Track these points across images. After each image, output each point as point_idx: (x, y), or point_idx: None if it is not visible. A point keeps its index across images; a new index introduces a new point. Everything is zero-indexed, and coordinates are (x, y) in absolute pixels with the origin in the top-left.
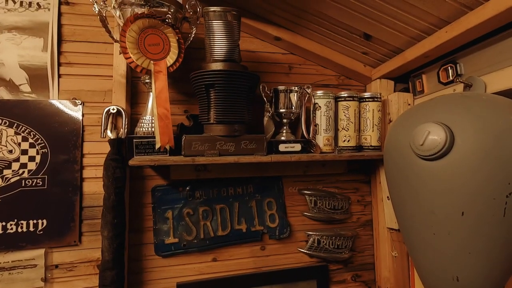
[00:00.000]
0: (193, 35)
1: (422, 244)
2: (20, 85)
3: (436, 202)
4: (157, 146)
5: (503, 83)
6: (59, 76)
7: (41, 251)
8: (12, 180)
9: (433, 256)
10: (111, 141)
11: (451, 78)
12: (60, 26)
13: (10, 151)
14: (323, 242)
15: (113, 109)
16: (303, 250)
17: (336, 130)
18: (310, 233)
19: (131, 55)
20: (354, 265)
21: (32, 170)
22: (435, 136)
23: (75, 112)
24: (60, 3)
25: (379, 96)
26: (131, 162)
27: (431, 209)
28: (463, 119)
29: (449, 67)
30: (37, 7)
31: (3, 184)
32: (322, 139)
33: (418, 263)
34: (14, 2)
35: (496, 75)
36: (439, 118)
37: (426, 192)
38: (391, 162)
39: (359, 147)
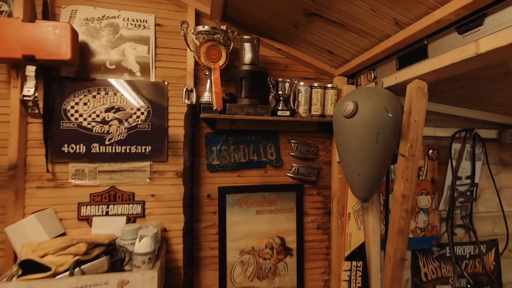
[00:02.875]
0: (231, 48)
1: (346, 163)
2: (135, 72)
3: (350, 139)
4: (214, 108)
5: (389, 82)
6: (155, 67)
7: (148, 163)
8: (133, 124)
9: (351, 168)
10: (189, 105)
11: (372, 78)
12: (155, 38)
13: (131, 108)
14: (301, 170)
15: (189, 88)
16: (289, 175)
17: (310, 105)
18: (293, 165)
19: (202, 60)
20: (319, 185)
21: (142, 119)
22: (350, 106)
23: (164, 88)
24: (155, 25)
25: (336, 86)
26: (202, 115)
27: (349, 144)
28: (363, 99)
29: (371, 72)
30: (143, 27)
31: (128, 126)
32: (301, 109)
33: (346, 173)
34: (132, 25)
35: (387, 78)
36: (353, 98)
37: (347, 135)
38: (334, 121)
39: (323, 115)
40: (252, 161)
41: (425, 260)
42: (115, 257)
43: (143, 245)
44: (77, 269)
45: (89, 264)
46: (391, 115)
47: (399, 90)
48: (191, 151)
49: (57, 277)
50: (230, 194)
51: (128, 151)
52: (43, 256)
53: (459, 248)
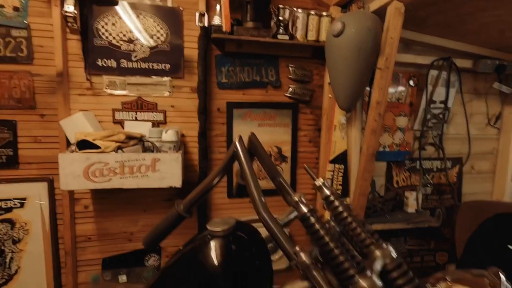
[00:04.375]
0: None
1: (333, 78)
2: None
3: (338, 56)
4: (223, 29)
5: (374, 6)
6: None
7: (168, 79)
8: (154, 44)
9: (337, 81)
10: (202, 27)
11: (361, 6)
12: None
13: (152, 30)
14: (297, 91)
15: (201, 12)
16: (286, 95)
17: (307, 31)
18: (291, 86)
19: None
20: (312, 105)
21: (162, 40)
22: (338, 26)
23: (179, 13)
24: None
25: (330, 15)
26: (213, 35)
27: (336, 60)
28: (350, 20)
29: (361, 0)
30: None
31: (151, 45)
32: (299, 34)
33: (333, 88)
34: None
35: (373, 3)
36: (342, 19)
37: (335, 52)
38: (326, 42)
39: (317, 41)
40: (255, 81)
41: (397, 170)
42: (145, 149)
43: (169, 135)
44: (119, 150)
45: (128, 148)
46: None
47: (384, 14)
48: (204, 67)
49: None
50: (236, 108)
51: (151, 67)
52: (93, 140)
53: (428, 163)
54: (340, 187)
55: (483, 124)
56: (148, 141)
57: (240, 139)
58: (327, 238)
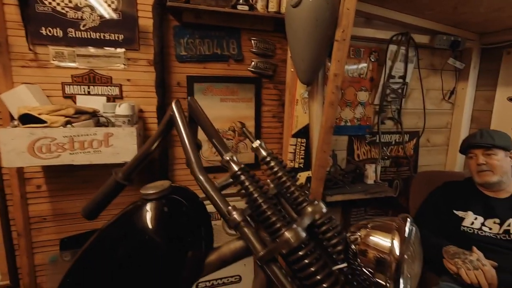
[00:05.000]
0: None
1: (293, 49)
2: None
3: (296, 27)
4: None
5: None
6: None
7: (122, 50)
8: (104, 12)
9: (297, 52)
10: None
11: None
12: None
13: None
14: (259, 65)
15: None
16: (249, 69)
17: (267, 2)
18: (253, 60)
19: None
20: (275, 80)
21: (113, 8)
22: None
23: None
24: None
25: None
26: (168, 3)
27: (295, 32)
28: None
29: None
30: None
31: (101, 14)
32: (259, 5)
33: (294, 61)
34: None
35: None
36: None
37: (294, 23)
38: (286, 14)
39: (278, 12)
40: (216, 54)
41: (358, 144)
42: (99, 124)
43: (123, 108)
44: (69, 125)
45: (78, 123)
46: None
47: None
48: (160, 38)
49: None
50: (197, 82)
51: (102, 37)
52: (39, 115)
53: (387, 136)
54: (302, 160)
55: (439, 99)
56: (103, 116)
57: (177, 102)
58: (255, 194)
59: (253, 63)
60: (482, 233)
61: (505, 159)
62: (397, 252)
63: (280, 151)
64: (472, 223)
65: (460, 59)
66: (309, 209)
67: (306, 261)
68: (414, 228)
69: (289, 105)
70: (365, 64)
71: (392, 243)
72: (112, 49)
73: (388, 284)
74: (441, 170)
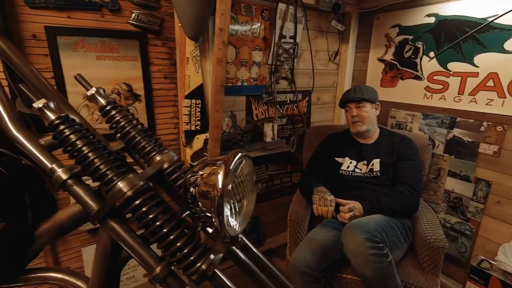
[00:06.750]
0: None
1: (176, 2)
2: None
3: None
4: None
5: None
6: None
7: None
8: None
9: (179, 5)
10: None
11: None
12: None
13: None
14: (142, 17)
15: None
16: (130, 22)
17: None
18: (133, 11)
19: None
20: (163, 37)
21: None
22: None
23: None
24: None
25: None
26: None
27: None
28: None
29: None
30: None
31: None
32: None
33: (178, 15)
34: None
35: None
36: None
37: None
38: None
39: None
40: (83, 1)
41: (256, 104)
42: None
43: None
44: None
45: None
46: None
47: None
48: None
49: None
50: (61, 36)
51: None
52: None
53: (282, 95)
54: (199, 122)
55: (326, 60)
56: None
57: None
58: (79, 144)
59: (133, 15)
60: (354, 174)
61: (372, 110)
62: (220, 184)
63: (177, 114)
64: (348, 166)
65: (342, 22)
66: (158, 158)
67: (144, 209)
68: (245, 161)
69: (180, 64)
70: (257, 24)
71: (217, 177)
72: None
73: (213, 219)
74: (328, 124)
